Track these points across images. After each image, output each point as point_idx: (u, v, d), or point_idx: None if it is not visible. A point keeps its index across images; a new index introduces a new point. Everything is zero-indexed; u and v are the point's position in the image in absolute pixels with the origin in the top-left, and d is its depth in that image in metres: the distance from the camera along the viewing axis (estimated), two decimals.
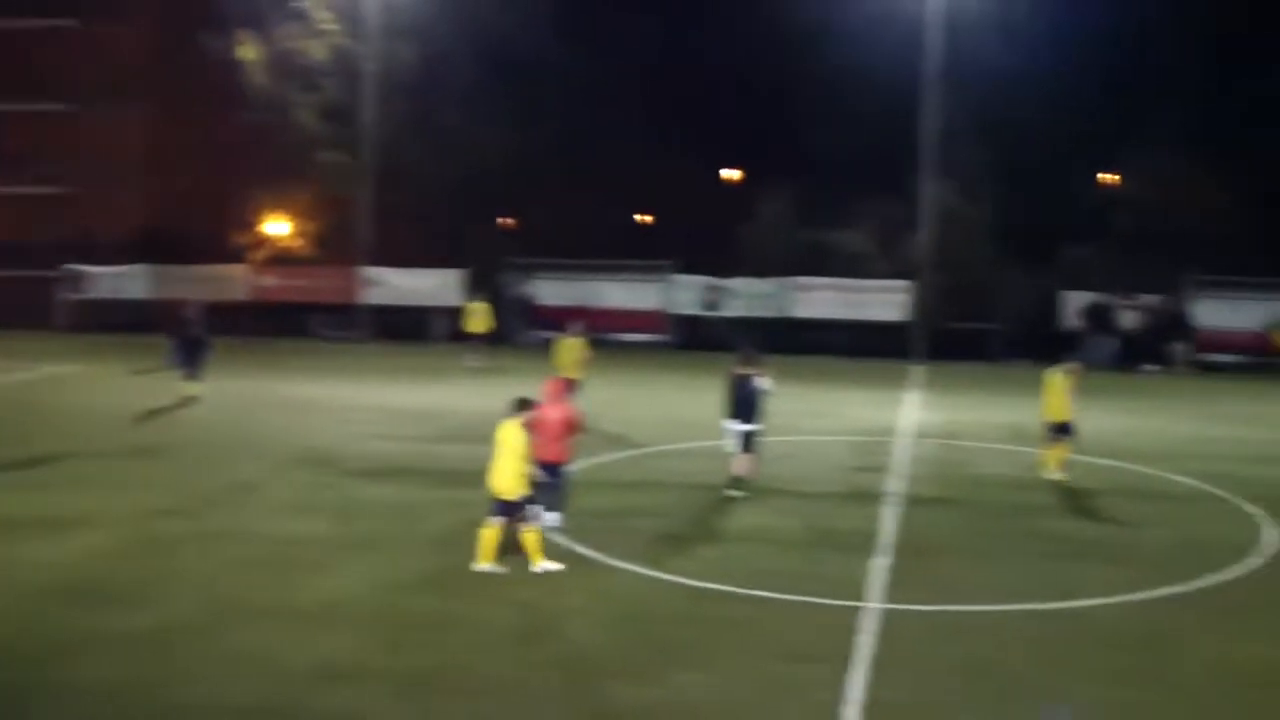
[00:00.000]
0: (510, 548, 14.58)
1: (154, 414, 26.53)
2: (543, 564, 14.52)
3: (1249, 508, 19.17)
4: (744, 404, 19.20)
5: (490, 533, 14.56)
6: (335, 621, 12.76)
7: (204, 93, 50.57)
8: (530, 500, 14.66)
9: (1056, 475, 20.85)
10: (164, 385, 29.03)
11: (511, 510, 14.52)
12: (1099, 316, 42.93)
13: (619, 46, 55.51)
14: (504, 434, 14.72)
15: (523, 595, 13.67)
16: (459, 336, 44.83)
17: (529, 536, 14.60)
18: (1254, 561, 15.98)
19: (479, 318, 37.94)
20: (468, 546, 15.58)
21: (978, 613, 13.50)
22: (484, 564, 14.54)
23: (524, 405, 15.10)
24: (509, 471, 14.51)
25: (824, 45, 49.08)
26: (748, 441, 19.32)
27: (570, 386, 23.37)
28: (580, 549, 15.65)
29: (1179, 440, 26.10)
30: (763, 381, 19.40)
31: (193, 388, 28.39)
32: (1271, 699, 11.15)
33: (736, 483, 19.32)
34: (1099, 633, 12.89)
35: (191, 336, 29.04)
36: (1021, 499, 19.74)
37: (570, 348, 26.99)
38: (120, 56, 56.17)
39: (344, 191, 49.61)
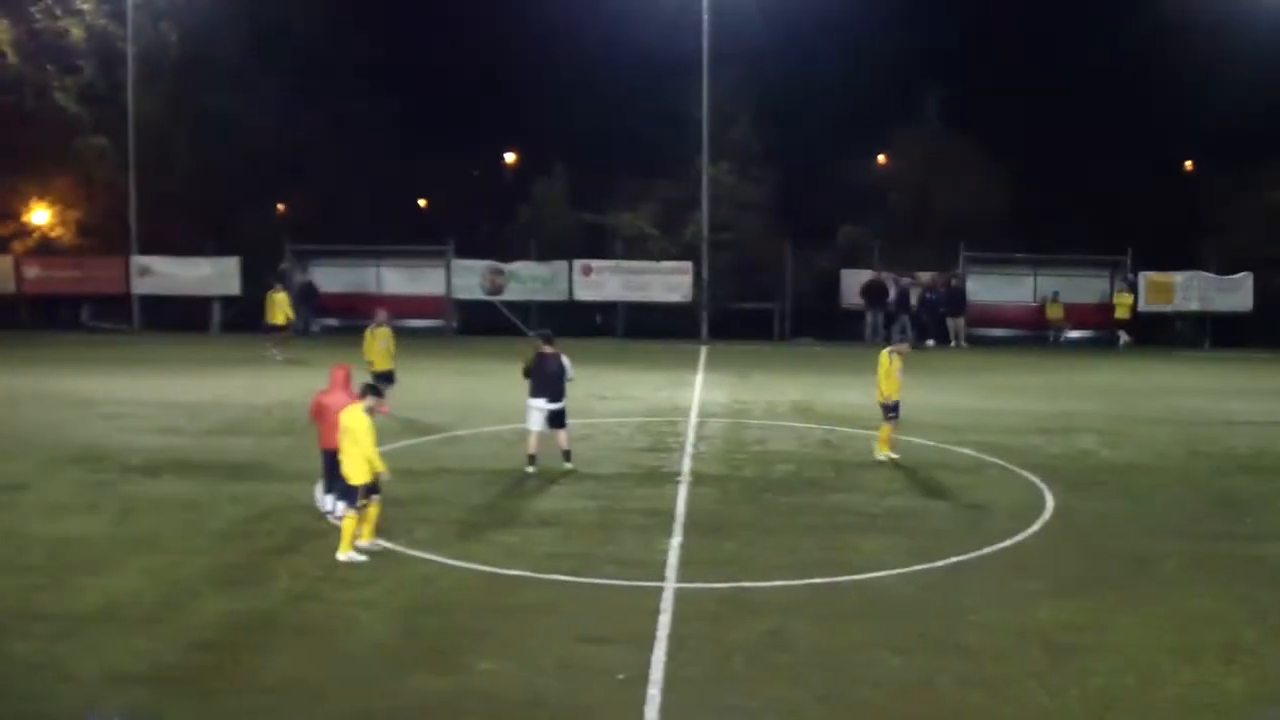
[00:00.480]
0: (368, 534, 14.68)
1: None
2: (350, 554, 14.31)
3: (1028, 476, 19.93)
4: (551, 382, 19.57)
5: (349, 522, 14.49)
6: (120, 624, 12.31)
7: None
8: (373, 488, 14.57)
9: (888, 455, 21.27)
10: None
11: (354, 496, 14.46)
12: (875, 294, 44.00)
13: (389, 27, 54.82)
14: (348, 420, 14.51)
15: (315, 589, 13.41)
16: (235, 326, 43.95)
17: (346, 523, 14.54)
18: (1034, 528, 16.62)
19: (278, 308, 36.99)
20: (252, 541, 15.28)
21: (769, 588, 13.73)
22: (345, 553, 14.38)
23: (370, 391, 15.10)
24: (353, 457, 14.39)
25: (596, 27, 49.27)
26: (557, 418, 19.71)
27: (385, 378, 23.37)
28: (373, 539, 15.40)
29: (959, 413, 26.95)
30: (565, 360, 19.71)
31: None
32: (1056, 658, 11.58)
33: (532, 460, 19.66)
34: (887, 603, 13.24)
35: None
36: (808, 475, 20.12)
37: (377, 337, 26.50)
38: None
39: (107, 177, 47.75)
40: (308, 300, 44.80)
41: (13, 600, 12.95)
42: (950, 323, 43.31)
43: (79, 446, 21.49)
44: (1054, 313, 44.66)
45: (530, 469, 19.56)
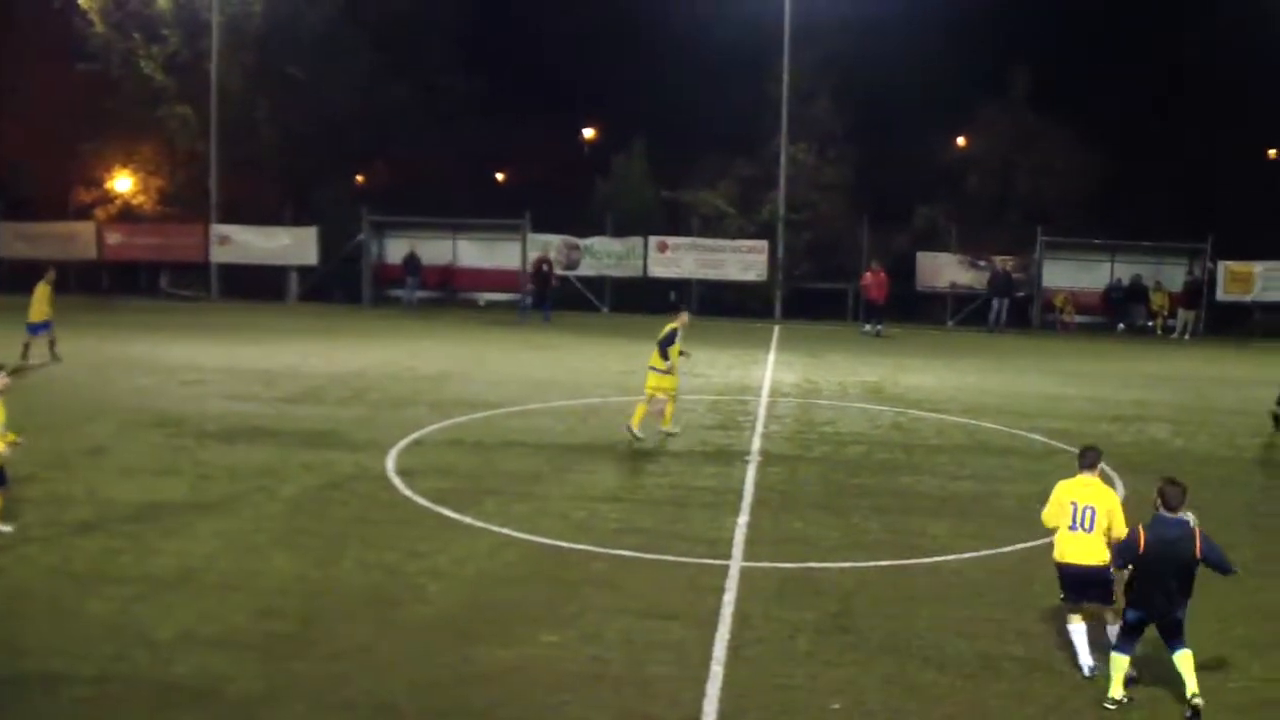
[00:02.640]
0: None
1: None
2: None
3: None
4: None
5: None
6: (194, 587, 12.55)
7: (40, 42, 48.55)
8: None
9: None
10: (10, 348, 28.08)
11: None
12: (1002, 283, 43.56)
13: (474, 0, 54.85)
14: None
15: (384, 559, 13.58)
16: (312, 296, 44.46)
17: None
18: None
19: None
20: (324, 509, 15.50)
21: (835, 569, 13.72)
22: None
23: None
24: None
25: (681, 3, 49.05)
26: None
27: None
28: (442, 510, 15.57)
29: (1030, 398, 26.71)
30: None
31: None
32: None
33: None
34: (954, 587, 13.20)
35: None
36: (877, 457, 20.07)
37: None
38: None
39: (189, 146, 48.27)
40: (413, 271, 45.19)
41: (93, 562, 13.23)
42: (1181, 313, 42.84)
43: (157, 412, 21.86)
44: (1158, 301, 44.02)
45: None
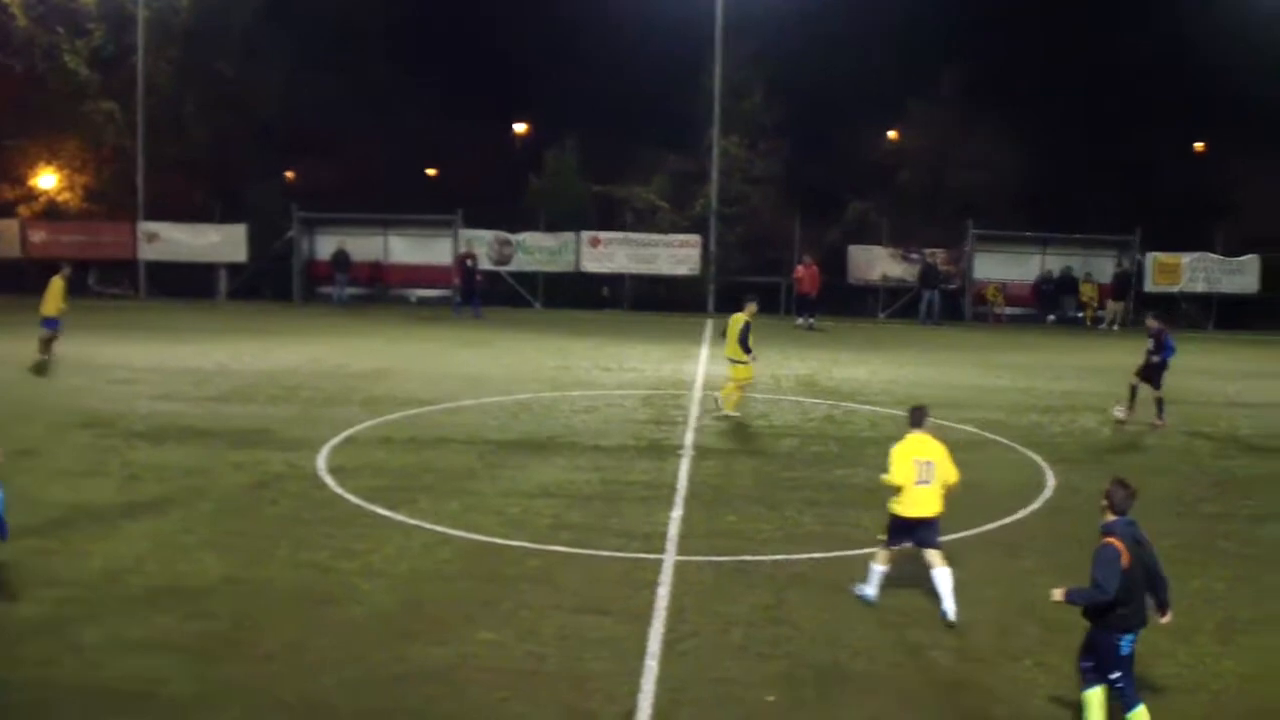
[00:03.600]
0: None
1: None
2: None
3: (1030, 454, 19.98)
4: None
5: None
6: (123, 589, 12.41)
7: None
8: None
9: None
10: None
11: None
12: (930, 276, 43.87)
13: None
14: None
15: (317, 558, 13.50)
16: (241, 294, 44.07)
17: None
18: (1034, 506, 16.69)
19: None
20: (255, 508, 15.37)
21: (769, 562, 13.80)
22: None
23: None
24: None
25: None
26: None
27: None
28: (375, 508, 15.50)
29: (961, 389, 26.98)
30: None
31: None
32: (1053, 635, 11.61)
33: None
34: (887, 579, 13.25)
35: None
36: (811, 449, 20.19)
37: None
38: None
39: (115, 143, 47.65)
40: (341, 268, 44.89)
41: (22, 564, 13.04)
42: (1110, 305, 43.30)
43: (86, 412, 21.59)
44: (1088, 293, 44.58)
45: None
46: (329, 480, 16.98)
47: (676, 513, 15.77)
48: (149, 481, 16.78)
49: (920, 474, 12.14)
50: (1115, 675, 9.44)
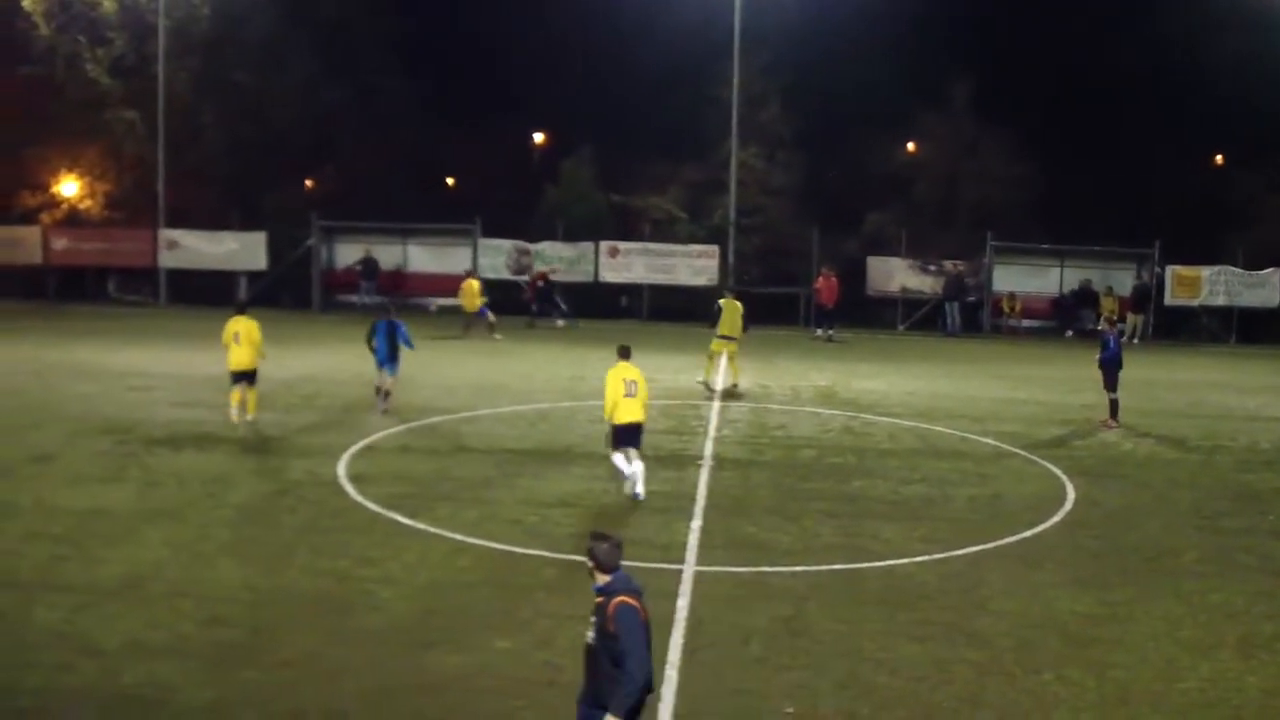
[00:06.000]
0: None
1: None
2: None
3: (1050, 467, 19.87)
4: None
5: None
6: (141, 595, 12.42)
7: None
8: None
9: None
10: None
11: None
12: (955, 287, 43.81)
13: (421, 4, 54.69)
14: None
15: (335, 565, 13.48)
16: (260, 301, 44.09)
17: None
18: (1055, 520, 16.58)
19: (470, 296, 38.00)
20: (273, 515, 15.36)
21: (788, 573, 13.74)
22: None
23: None
24: None
25: (629, 7, 48.89)
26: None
27: None
28: (394, 516, 15.49)
29: (982, 402, 26.87)
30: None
31: None
32: (1073, 649, 11.57)
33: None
34: (906, 591, 13.24)
35: None
36: (830, 461, 20.12)
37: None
38: None
39: (136, 150, 47.86)
40: (369, 275, 44.94)
41: (39, 570, 13.07)
42: (1130, 318, 43.05)
43: (104, 418, 21.64)
44: (1109, 306, 44.31)
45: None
46: (348, 488, 16.98)
47: (696, 523, 15.74)
48: (168, 488, 16.81)
49: (628, 390, 16.65)
50: None
